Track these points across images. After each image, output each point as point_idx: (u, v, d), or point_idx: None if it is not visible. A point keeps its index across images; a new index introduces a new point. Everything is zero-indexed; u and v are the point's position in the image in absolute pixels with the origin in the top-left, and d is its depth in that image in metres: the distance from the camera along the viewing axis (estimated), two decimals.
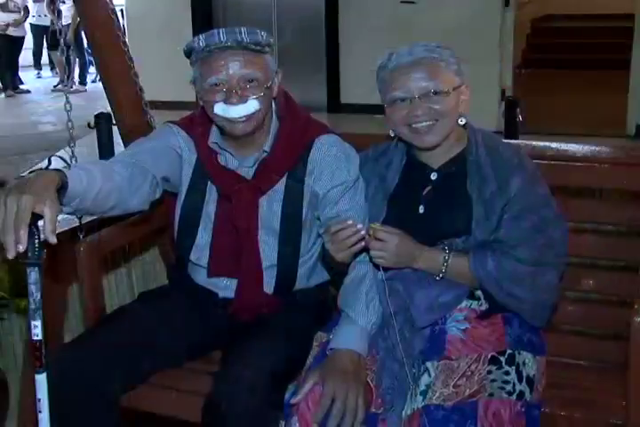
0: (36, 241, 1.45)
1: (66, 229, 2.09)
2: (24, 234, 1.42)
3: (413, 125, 1.75)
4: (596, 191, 2.26)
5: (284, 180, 1.95)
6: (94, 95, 9.10)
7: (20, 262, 1.46)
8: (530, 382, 1.67)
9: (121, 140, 2.45)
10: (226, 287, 1.98)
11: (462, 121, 1.79)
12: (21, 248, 1.42)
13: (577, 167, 2.07)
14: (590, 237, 2.13)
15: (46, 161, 1.74)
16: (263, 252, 1.95)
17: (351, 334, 1.74)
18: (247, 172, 1.96)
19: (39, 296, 1.49)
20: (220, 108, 1.84)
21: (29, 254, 1.45)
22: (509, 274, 1.69)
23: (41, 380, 1.52)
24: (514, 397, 1.61)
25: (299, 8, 8.29)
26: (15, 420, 2.12)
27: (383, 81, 1.79)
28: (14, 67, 10.89)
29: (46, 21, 10.80)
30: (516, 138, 4.36)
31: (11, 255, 1.42)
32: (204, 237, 1.99)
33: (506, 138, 4.37)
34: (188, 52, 1.87)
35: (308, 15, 8.26)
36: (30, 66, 12.22)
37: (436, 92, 1.72)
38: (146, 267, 2.52)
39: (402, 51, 1.76)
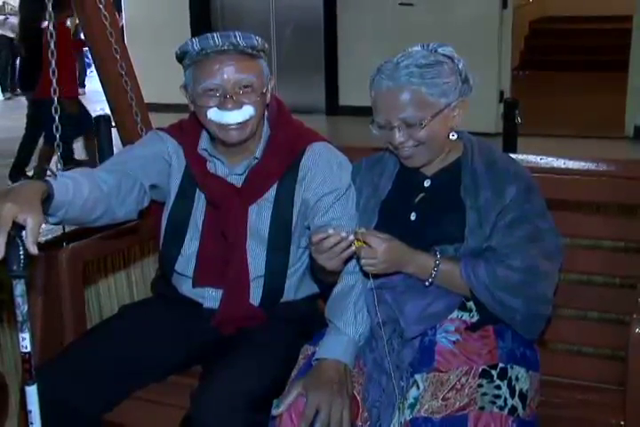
0: (21, 253, 1.43)
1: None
2: (2, 241, 1.40)
3: (396, 151, 1.74)
4: (593, 206, 2.19)
5: (274, 187, 1.92)
6: (94, 98, 9.10)
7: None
8: (522, 397, 1.62)
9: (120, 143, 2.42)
10: (211, 298, 1.94)
11: (454, 135, 1.75)
12: None
13: (574, 181, 2.03)
14: (587, 253, 2.07)
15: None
16: (251, 262, 1.91)
17: (337, 344, 1.70)
18: (237, 179, 1.93)
19: (26, 308, 1.47)
20: (213, 114, 1.80)
21: (14, 267, 1.43)
22: (501, 282, 1.65)
23: (31, 392, 1.50)
24: (505, 411, 1.56)
25: (297, 11, 8.29)
26: (15, 421, 2.08)
27: (371, 98, 1.73)
28: (14, 70, 10.89)
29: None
30: (515, 139, 4.35)
31: None
32: (191, 246, 1.95)
33: (505, 139, 4.37)
34: (182, 56, 1.84)
35: (306, 17, 8.26)
36: None
37: (411, 124, 1.67)
38: (145, 269, 2.47)
39: (387, 68, 1.69)
